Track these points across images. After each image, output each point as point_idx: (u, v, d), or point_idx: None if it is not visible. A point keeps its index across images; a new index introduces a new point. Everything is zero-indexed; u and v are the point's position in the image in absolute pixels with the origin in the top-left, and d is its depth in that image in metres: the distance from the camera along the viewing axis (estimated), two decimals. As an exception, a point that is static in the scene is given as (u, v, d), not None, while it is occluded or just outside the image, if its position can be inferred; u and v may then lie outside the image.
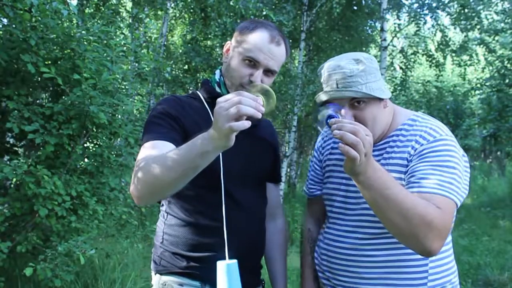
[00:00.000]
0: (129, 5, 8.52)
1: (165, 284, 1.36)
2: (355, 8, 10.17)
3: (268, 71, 1.37)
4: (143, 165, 1.16)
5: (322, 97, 1.30)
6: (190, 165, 1.05)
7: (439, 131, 1.26)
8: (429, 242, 1.09)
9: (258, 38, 1.36)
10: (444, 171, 1.18)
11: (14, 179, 3.12)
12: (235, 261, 1.19)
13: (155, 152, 1.20)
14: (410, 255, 1.25)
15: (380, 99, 1.28)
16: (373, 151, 1.30)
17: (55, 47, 3.29)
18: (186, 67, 9.52)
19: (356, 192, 1.33)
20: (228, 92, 1.40)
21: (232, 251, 1.27)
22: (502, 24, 10.68)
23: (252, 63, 1.35)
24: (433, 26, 11.38)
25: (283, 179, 9.05)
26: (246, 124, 0.95)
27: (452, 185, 1.17)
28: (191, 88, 9.85)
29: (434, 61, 11.69)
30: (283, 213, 1.64)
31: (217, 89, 1.45)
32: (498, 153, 17.25)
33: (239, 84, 1.37)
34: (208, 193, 1.33)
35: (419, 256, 1.24)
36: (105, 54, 3.38)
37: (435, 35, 11.56)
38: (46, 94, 3.71)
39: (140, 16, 7.42)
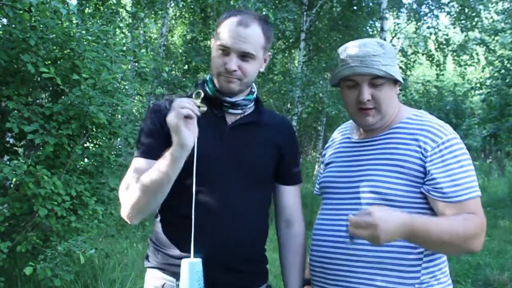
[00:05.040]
0: (128, 5, 8.53)
1: (148, 277, 1.42)
2: (355, 8, 10.17)
3: (244, 56, 1.33)
4: (125, 192, 1.31)
5: (345, 72, 1.32)
6: (162, 177, 1.23)
7: (447, 128, 1.34)
8: (475, 246, 1.23)
9: (227, 25, 1.34)
10: (467, 172, 1.28)
11: (14, 179, 3.12)
12: (198, 260, 1.22)
13: (138, 174, 1.32)
14: (406, 242, 1.27)
15: (395, 83, 1.36)
16: (375, 140, 1.39)
17: (54, 47, 3.29)
18: (186, 67, 9.52)
19: (349, 176, 1.40)
20: (215, 87, 1.41)
21: (207, 251, 1.28)
22: (502, 24, 10.68)
23: (226, 51, 1.33)
24: (433, 27, 11.38)
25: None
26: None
27: (474, 182, 1.28)
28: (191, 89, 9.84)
29: (434, 61, 11.69)
30: (301, 218, 1.54)
31: (207, 87, 1.43)
32: (498, 153, 17.25)
33: (217, 75, 1.36)
34: (184, 191, 1.31)
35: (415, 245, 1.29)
36: (104, 54, 3.38)
37: (435, 34, 11.56)
38: (46, 94, 3.71)
39: (139, 16, 7.42)
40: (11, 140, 3.56)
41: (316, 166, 12.98)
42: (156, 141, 1.36)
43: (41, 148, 3.21)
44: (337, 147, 1.52)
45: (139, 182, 1.27)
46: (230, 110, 1.41)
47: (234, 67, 1.32)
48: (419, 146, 1.30)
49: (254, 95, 1.47)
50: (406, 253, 1.28)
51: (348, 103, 1.38)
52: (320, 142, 12.08)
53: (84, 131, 3.27)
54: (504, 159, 16.69)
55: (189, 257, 1.24)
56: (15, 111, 3.01)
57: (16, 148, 3.56)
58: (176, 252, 1.34)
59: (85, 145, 3.51)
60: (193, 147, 1.27)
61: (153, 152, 1.34)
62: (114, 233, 4.08)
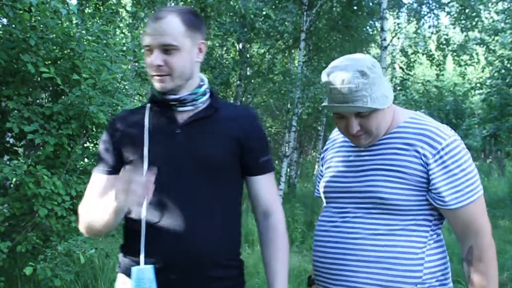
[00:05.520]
0: (128, 5, 8.53)
1: (117, 282, 1.45)
2: (355, 8, 10.17)
3: (166, 50, 1.28)
4: (81, 211, 1.37)
5: (330, 108, 1.33)
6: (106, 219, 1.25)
7: (445, 131, 1.32)
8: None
9: (147, 25, 1.32)
10: (468, 174, 1.29)
11: (14, 179, 3.12)
12: (149, 266, 1.22)
13: (94, 192, 1.39)
14: (409, 242, 1.31)
15: None
16: (374, 146, 1.38)
17: (54, 47, 3.29)
18: (186, 67, 9.50)
19: (352, 182, 1.39)
20: (158, 92, 1.37)
21: (164, 257, 1.27)
22: (502, 24, 10.68)
23: (150, 50, 1.30)
24: (434, 26, 11.38)
25: (283, 179, 9.04)
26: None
27: (476, 183, 1.30)
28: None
29: (434, 61, 11.70)
30: (278, 208, 1.44)
31: (155, 90, 1.39)
32: (498, 153, 17.25)
33: (151, 76, 1.33)
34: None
35: (418, 245, 1.31)
36: (104, 54, 3.38)
37: (435, 33, 11.56)
38: (46, 94, 3.71)
39: (140, 16, 7.42)
40: (11, 140, 3.56)
41: (316, 166, 13.00)
42: (111, 155, 1.38)
43: (41, 148, 3.21)
44: (338, 151, 1.51)
45: (89, 212, 1.32)
46: (180, 108, 1.36)
47: (157, 61, 1.27)
48: (417, 152, 1.30)
49: (203, 88, 1.38)
50: (408, 253, 1.30)
51: (340, 128, 1.39)
52: (320, 142, 12.09)
53: (84, 131, 3.27)
54: (504, 159, 16.70)
55: (150, 263, 1.24)
56: (15, 111, 3.01)
57: (16, 148, 3.56)
58: (138, 258, 1.31)
59: (85, 145, 3.51)
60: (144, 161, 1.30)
61: (108, 167, 1.38)
62: (114, 233, 4.08)
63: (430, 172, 1.29)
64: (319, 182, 1.61)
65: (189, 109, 1.36)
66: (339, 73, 1.27)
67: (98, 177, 1.40)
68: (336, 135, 1.58)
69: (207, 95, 1.41)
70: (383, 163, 1.35)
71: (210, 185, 1.33)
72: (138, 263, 1.27)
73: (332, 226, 1.41)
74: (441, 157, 1.28)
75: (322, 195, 1.52)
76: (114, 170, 1.38)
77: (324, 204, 1.51)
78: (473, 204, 1.29)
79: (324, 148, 1.61)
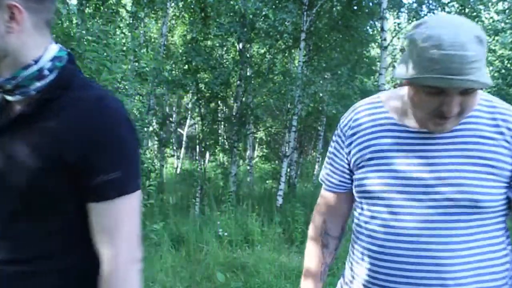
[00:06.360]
0: (129, 5, 8.55)
1: None
2: (355, 8, 10.18)
3: None
4: None
5: (435, 82, 0.97)
6: None
7: None
8: None
9: None
10: None
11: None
12: None
13: None
14: (499, 251, 1.12)
15: None
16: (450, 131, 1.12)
17: (54, 47, 3.29)
18: (186, 67, 9.53)
19: (423, 178, 1.10)
20: None
21: None
22: (502, 24, 10.69)
23: None
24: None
25: (283, 179, 9.04)
26: None
27: None
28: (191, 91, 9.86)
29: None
30: (112, 242, 0.95)
31: None
32: (498, 153, 17.26)
33: None
34: None
35: (502, 245, 1.13)
36: (104, 54, 3.39)
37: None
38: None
39: (140, 15, 7.44)
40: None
41: (316, 166, 13.00)
42: None
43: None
44: (383, 136, 1.17)
45: None
46: (9, 98, 0.97)
47: None
48: (508, 142, 1.08)
49: (31, 70, 0.94)
50: (499, 258, 1.13)
51: (421, 108, 1.06)
52: (320, 142, 12.10)
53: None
54: (504, 159, 16.71)
55: None
56: (15, 111, 3.01)
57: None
58: None
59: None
60: None
61: None
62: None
63: None
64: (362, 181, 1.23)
65: (19, 100, 0.96)
66: (455, 34, 0.96)
67: None
68: (359, 116, 1.24)
69: (48, 79, 0.96)
70: (467, 154, 1.08)
71: (28, 217, 0.96)
72: None
73: (405, 242, 1.11)
74: None
75: (376, 188, 1.15)
76: None
77: (371, 201, 1.17)
78: None
79: (351, 133, 1.23)
